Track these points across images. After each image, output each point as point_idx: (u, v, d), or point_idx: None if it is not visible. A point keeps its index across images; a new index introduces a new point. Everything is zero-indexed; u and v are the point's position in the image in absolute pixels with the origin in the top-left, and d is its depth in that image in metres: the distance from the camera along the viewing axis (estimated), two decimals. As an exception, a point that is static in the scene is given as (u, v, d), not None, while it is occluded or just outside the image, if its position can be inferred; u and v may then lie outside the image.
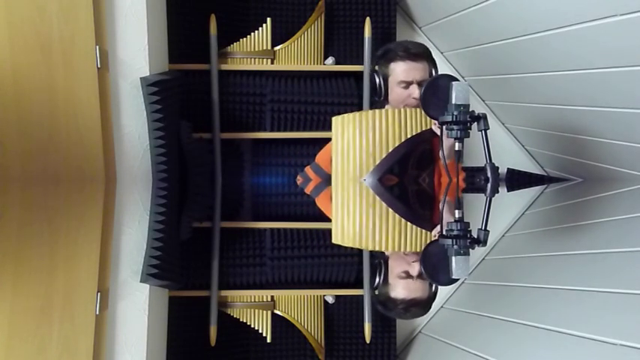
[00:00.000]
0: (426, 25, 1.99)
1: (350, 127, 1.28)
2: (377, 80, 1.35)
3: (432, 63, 1.33)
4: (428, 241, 1.26)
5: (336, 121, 1.31)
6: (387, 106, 1.41)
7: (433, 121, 1.24)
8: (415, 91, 1.31)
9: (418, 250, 1.27)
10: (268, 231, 1.84)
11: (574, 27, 1.21)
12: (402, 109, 1.27)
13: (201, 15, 1.79)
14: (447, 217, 1.24)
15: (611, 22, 1.09)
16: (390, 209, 1.24)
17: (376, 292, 1.35)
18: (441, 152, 1.21)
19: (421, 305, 1.29)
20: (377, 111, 1.28)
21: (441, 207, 1.21)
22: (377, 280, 1.35)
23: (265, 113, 1.82)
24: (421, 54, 1.31)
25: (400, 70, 1.31)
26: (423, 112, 1.26)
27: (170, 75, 1.56)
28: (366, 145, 1.26)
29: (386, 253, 1.42)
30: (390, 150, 1.25)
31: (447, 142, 1.23)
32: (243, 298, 1.80)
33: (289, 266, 1.83)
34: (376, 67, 1.35)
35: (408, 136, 1.25)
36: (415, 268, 1.29)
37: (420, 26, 2.04)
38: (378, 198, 1.24)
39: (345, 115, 1.30)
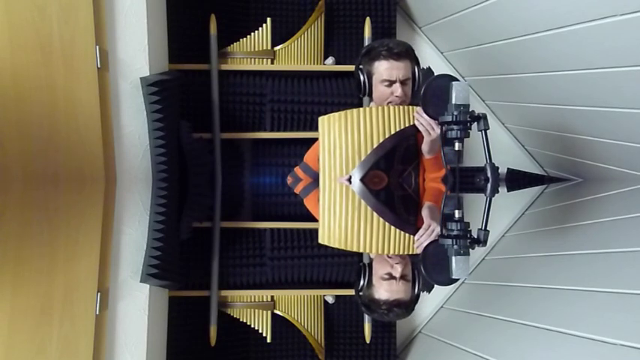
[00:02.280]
0: (426, 25, 1.99)
1: (336, 126, 1.28)
2: (361, 78, 1.35)
3: (415, 61, 1.34)
4: (411, 245, 1.26)
5: (322, 120, 1.31)
6: (371, 104, 1.42)
7: (416, 117, 1.24)
8: (398, 90, 1.32)
9: (401, 253, 1.28)
10: (268, 231, 1.84)
11: (574, 27, 1.21)
12: (386, 107, 1.28)
13: (201, 15, 1.79)
14: (428, 221, 1.25)
15: (611, 22, 1.09)
16: (375, 213, 1.25)
17: (360, 294, 1.36)
18: (441, 148, 1.21)
19: (403, 306, 1.30)
20: (361, 109, 1.28)
21: (441, 210, 1.21)
22: (361, 282, 1.36)
23: (265, 113, 1.82)
24: (404, 53, 1.31)
25: (383, 68, 1.31)
26: (406, 109, 1.27)
27: (170, 75, 1.56)
28: (352, 142, 1.27)
29: (370, 256, 1.42)
30: (374, 146, 1.25)
31: (428, 137, 1.23)
32: (243, 298, 1.80)
33: (289, 266, 1.83)
34: (360, 65, 1.35)
35: (392, 132, 1.26)
36: (398, 270, 1.30)
37: (420, 26, 2.04)
38: (363, 201, 1.25)
39: (331, 114, 1.31)
